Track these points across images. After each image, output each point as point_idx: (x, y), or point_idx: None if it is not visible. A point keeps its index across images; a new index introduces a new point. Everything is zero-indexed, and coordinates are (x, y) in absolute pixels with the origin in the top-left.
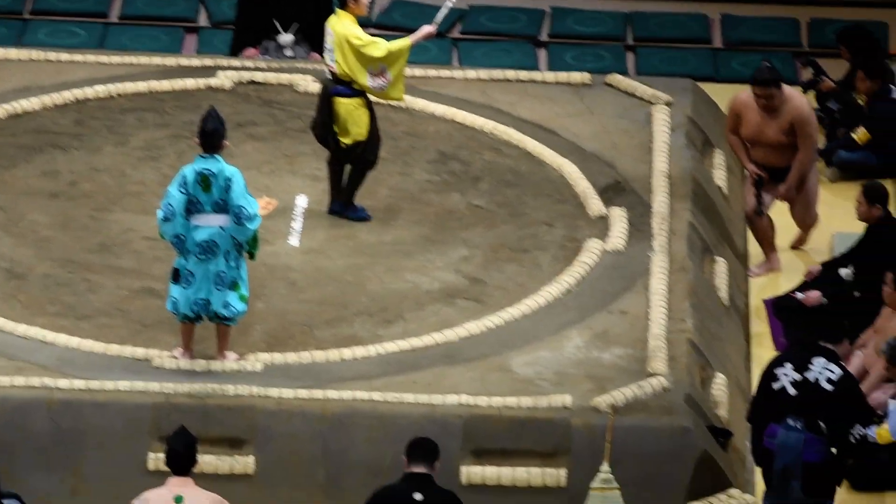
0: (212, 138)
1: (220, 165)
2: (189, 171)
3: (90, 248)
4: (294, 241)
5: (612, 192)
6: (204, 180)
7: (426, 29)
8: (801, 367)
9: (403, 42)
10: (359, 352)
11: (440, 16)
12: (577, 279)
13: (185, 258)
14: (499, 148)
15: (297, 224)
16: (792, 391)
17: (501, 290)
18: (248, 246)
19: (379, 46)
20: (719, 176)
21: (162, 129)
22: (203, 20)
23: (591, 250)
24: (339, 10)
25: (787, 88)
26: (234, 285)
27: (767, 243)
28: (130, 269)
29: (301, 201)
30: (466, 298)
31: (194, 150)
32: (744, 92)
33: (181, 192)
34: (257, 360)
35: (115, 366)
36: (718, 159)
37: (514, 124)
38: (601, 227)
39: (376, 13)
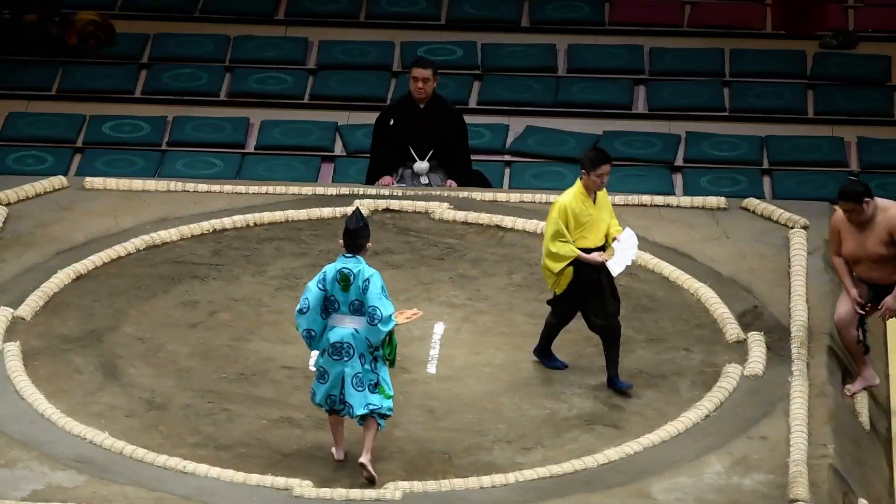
0: (355, 238)
1: (360, 266)
2: (330, 268)
3: (229, 378)
4: (432, 368)
5: (750, 316)
6: (343, 279)
7: (599, 258)
8: None
9: (571, 252)
10: (498, 479)
11: (617, 267)
12: (716, 404)
13: (320, 355)
14: (636, 273)
15: (434, 351)
16: None
17: (640, 416)
18: (383, 351)
19: (552, 245)
20: None
21: (299, 258)
22: (339, 149)
23: (730, 375)
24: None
25: (882, 201)
26: (375, 386)
27: (858, 357)
28: (269, 399)
29: (438, 328)
30: (605, 425)
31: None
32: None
33: (319, 287)
34: (397, 489)
35: (255, 496)
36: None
37: (650, 249)
38: (739, 352)
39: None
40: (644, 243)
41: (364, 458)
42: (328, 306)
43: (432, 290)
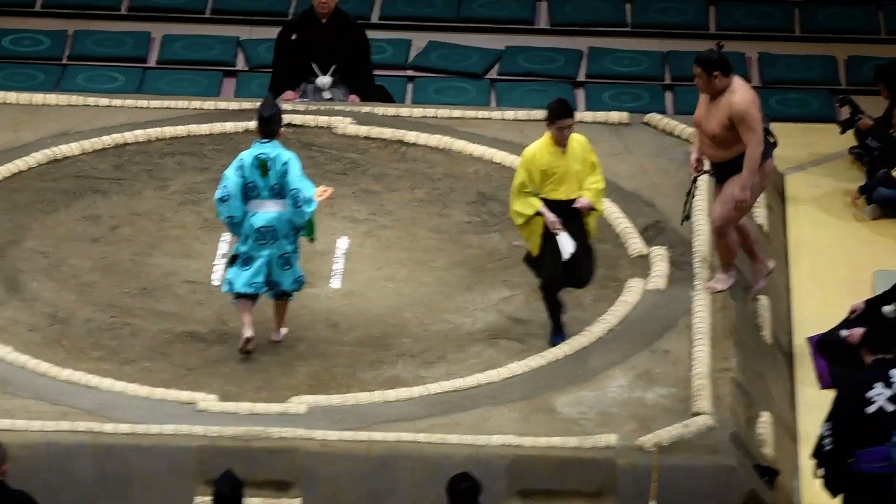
0: (269, 124)
1: (277, 150)
2: (247, 155)
3: (132, 293)
4: (335, 283)
5: (653, 231)
6: (262, 164)
7: (556, 224)
8: (889, 382)
9: (529, 207)
10: (402, 393)
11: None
12: (619, 318)
13: (242, 242)
14: None
15: (337, 266)
16: (891, 407)
17: (543, 330)
18: (306, 231)
19: (513, 198)
20: (759, 214)
21: (201, 172)
22: (241, 64)
23: (633, 289)
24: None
25: (737, 82)
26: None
27: (748, 249)
28: (172, 313)
29: (341, 243)
30: (509, 339)
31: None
32: None
33: (238, 175)
34: (301, 403)
35: (159, 410)
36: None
37: None
38: (642, 266)
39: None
40: None
41: (278, 335)
42: (248, 192)
43: (335, 204)
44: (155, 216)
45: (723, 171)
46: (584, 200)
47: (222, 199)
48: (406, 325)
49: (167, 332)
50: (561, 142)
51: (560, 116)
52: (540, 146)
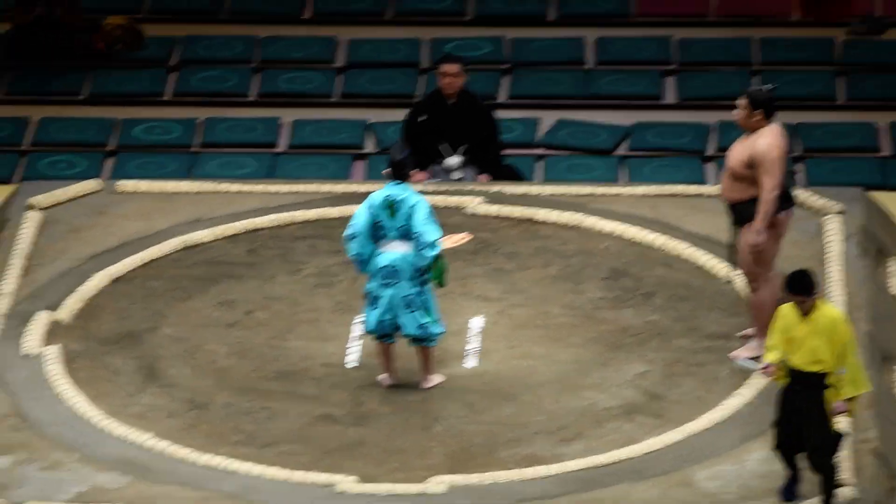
0: (401, 168)
1: (406, 192)
2: (377, 195)
3: (269, 377)
4: (470, 362)
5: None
6: (390, 205)
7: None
8: None
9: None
10: (541, 471)
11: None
12: (757, 391)
13: (371, 280)
14: (670, 263)
15: (471, 346)
16: None
17: (680, 405)
18: (432, 274)
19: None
20: (894, 284)
21: (334, 255)
22: (370, 146)
23: None
24: None
25: (774, 128)
26: (426, 310)
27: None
28: (310, 396)
29: (475, 323)
30: (646, 414)
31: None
32: None
33: (367, 213)
34: (440, 483)
35: (299, 493)
36: (893, 268)
37: (684, 238)
38: None
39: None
40: (678, 232)
41: (427, 382)
42: (376, 232)
43: (468, 284)
44: (289, 300)
45: (736, 213)
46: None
47: (351, 237)
48: (542, 403)
49: (305, 415)
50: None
51: (793, 292)
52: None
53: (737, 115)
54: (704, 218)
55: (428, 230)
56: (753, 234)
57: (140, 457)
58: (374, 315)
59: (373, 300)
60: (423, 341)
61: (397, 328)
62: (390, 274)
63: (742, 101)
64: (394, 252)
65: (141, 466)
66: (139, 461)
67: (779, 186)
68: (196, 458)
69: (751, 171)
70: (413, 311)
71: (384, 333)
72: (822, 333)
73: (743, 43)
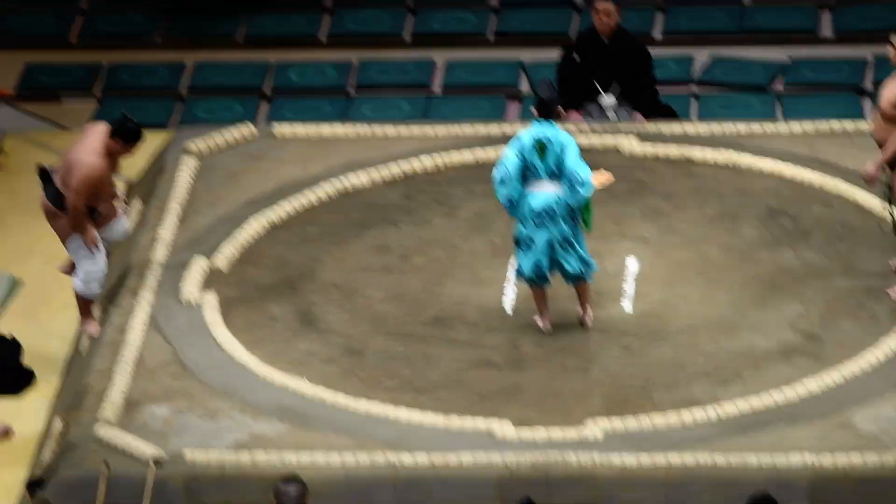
0: (548, 105)
1: (555, 131)
2: (526, 136)
3: (425, 322)
4: (626, 305)
5: None
6: (540, 146)
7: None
8: None
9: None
10: (698, 414)
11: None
12: None
13: (522, 224)
14: (828, 201)
15: (628, 287)
16: None
17: (839, 346)
18: (581, 214)
19: None
20: None
21: (490, 198)
22: (524, 87)
23: None
24: None
25: None
26: (583, 247)
27: None
28: (466, 341)
29: (631, 264)
30: (804, 355)
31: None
32: None
33: (517, 156)
34: (597, 427)
35: (456, 439)
36: None
37: (842, 176)
38: None
39: None
40: (836, 170)
41: (589, 319)
42: (526, 173)
43: (624, 224)
44: (445, 244)
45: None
46: None
47: (502, 181)
48: (700, 345)
49: (461, 359)
50: None
51: None
52: None
53: (891, 53)
54: (862, 155)
55: (582, 168)
56: (872, 165)
57: (297, 404)
58: (530, 259)
59: (527, 244)
60: (583, 279)
61: (552, 270)
62: (547, 215)
63: (895, 39)
64: (547, 193)
65: (299, 413)
66: (297, 408)
67: None
68: (353, 404)
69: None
70: (573, 250)
71: (541, 276)
72: None
73: None
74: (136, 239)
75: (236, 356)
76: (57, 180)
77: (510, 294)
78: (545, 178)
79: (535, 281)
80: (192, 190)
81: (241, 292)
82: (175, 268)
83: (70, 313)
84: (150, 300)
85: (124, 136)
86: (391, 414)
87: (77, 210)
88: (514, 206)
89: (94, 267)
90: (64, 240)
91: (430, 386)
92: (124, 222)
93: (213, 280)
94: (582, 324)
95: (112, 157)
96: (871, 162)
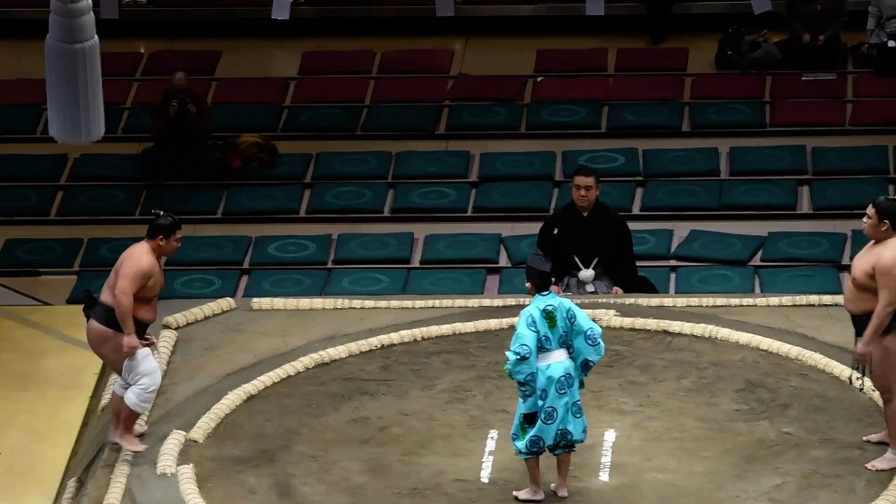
0: (547, 278)
1: (557, 300)
2: (534, 309)
3: (402, 493)
4: (604, 476)
5: None
6: (549, 316)
7: None
8: None
9: None
10: None
11: None
12: (893, 502)
13: (539, 399)
14: (806, 373)
15: (606, 459)
16: None
17: None
18: (586, 374)
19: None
20: None
21: (468, 370)
22: (504, 261)
23: None
24: None
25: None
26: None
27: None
28: None
29: (609, 436)
30: None
31: (502, 390)
32: None
33: (532, 330)
34: None
35: None
36: None
37: (819, 349)
38: None
39: None
40: (813, 343)
41: (564, 489)
42: (540, 346)
43: (602, 397)
44: (423, 416)
45: (859, 325)
46: None
47: (524, 358)
48: None
49: None
50: None
51: None
52: None
53: (865, 224)
54: (840, 328)
55: (593, 325)
56: (862, 344)
57: None
58: (552, 429)
59: (549, 415)
60: (573, 447)
61: (565, 435)
62: (567, 382)
63: (870, 211)
64: (562, 361)
65: None
66: None
67: (895, 302)
68: None
69: (874, 282)
70: (580, 417)
71: (559, 445)
72: None
73: (878, 151)
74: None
75: None
76: (103, 296)
77: (488, 466)
78: (556, 348)
79: (552, 451)
80: (170, 362)
81: (218, 465)
82: (152, 440)
83: (46, 489)
84: (126, 472)
85: (164, 231)
86: None
87: (125, 296)
88: (532, 384)
89: (151, 380)
90: (116, 363)
91: None
92: (152, 360)
93: (189, 452)
94: (557, 494)
95: (159, 257)
96: (859, 342)
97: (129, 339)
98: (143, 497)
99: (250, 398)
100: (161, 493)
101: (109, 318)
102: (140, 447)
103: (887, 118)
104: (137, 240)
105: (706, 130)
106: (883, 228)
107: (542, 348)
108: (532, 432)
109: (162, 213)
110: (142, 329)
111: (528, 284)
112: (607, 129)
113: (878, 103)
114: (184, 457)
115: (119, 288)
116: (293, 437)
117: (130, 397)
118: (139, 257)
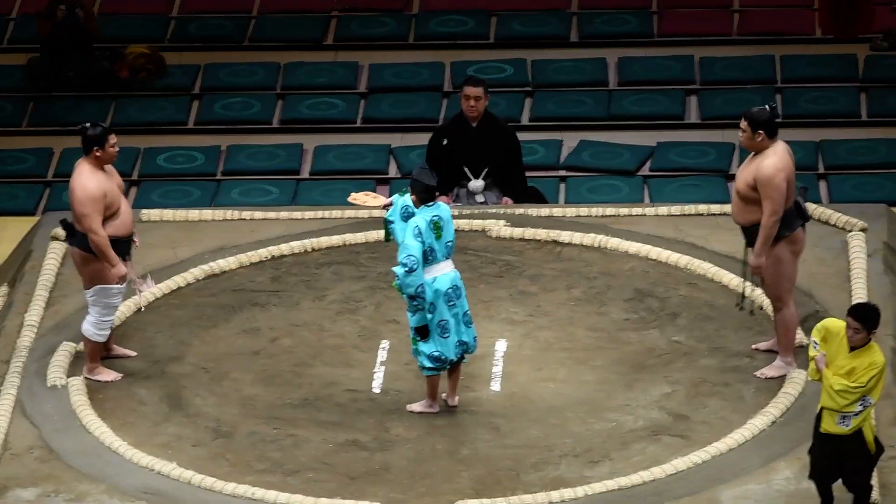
0: (431, 192)
1: (443, 210)
2: (420, 220)
3: (294, 404)
4: (495, 385)
5: (812, 321)
6: (436, 226)
7: None
8: None
9: None
10: (567, 494)
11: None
12: (782, 410)
13: (429, 312)
14: (695, 282)
15: (497, 369)
16: None
17: (706, 425)
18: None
19: None
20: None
21: (358, 281)
22: (393, 171)
23: (795, 380)
24: None
25: (777, 146)
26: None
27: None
28: (335, 423)
29: (500, 346)
30: (671, 435)
31: (392, 300)
32: None
33: (419, 241)
34: None
35: None
36: None
37: (708, 258)
38: (803, 356)
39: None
40: (702, 252)
41: (456, 399)
42: (426, 258)
43: (492, 307)
44: (314, 326)
45: (748, 235)
46: None
47: (413, 270)
48: (568, 425)
49: (330, 441)
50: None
51: (856, 318)
52: None
53: (741, 137)
54: (728, 237)
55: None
56: (754, 256)
57: (166, 486)
58: (451, 341)
59: (443, 328)
60: (464, 359)
61: (466, 350)
62: (454, 295)
63: (743, 124)
64: (447, 273)
65: (167, 496)
66: (165, 491)
67: (779, 211)
68: (221, 486)
69: (757, 193)
70: (470, 326)
71: (464, 353)
72: (858, 374)
73: (765, 60)
74: (1, 324)
75: (104, 440)
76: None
77: (379, 376)
78: (442, 258)
79: (455, 361)
80: (59, 274)
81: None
82: (41, 352)
83: None
84: (16, 384)
85: (97, 142)
86: (259, 495)
87: (94, 233)
88: (423, 297)
89: (108, 317)
90: (89, 284)
91: (299, 468)
92: (119, 299)
93: (79, 364)
94: (448, 404)
95: (103, 167)
96: (752, 255)
97: (117, 270)
98: (32, 409)
99: (140, 310)
100: (51, 405)
101: (86, 244)
102: (113, 376)
103: (774, 27)
104: (27, 151)
105: (594, 40)
106: (759, 139)
107: (427, 260)
108: (433, 348)
109: (88, 124)
110: (121, 247)
111: (413, 197)
112: (496, 40)
113: (765, 13)
114: (74, 368)
115: (85, 227)
116: (184, 349)
117: (87, 328)
118: (84, 184)
